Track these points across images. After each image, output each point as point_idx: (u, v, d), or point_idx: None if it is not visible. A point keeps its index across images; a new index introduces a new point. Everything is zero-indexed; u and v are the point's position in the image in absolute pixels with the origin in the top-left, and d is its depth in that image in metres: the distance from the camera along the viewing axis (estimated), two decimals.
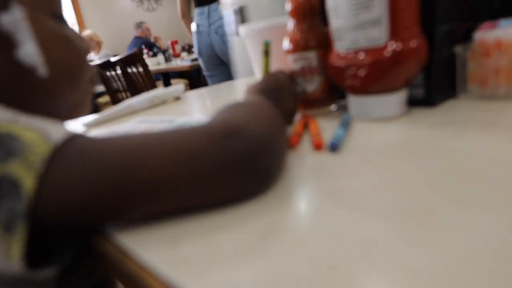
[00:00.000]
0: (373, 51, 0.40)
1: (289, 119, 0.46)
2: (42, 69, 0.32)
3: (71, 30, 0.37)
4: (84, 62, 0.38)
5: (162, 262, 0.23)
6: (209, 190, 0.27)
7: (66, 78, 0.36)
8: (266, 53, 0.50)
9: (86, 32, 3.90)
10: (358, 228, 0.22)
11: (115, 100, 2.74)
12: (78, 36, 0.37)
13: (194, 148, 0.26)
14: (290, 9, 0.48)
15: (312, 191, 0.28)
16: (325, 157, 0.35)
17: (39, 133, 0.25)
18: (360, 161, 0.32)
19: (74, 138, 0.26)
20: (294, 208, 0.26)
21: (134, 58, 2.46)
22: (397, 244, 0.20)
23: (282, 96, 0.43)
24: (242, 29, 0.64)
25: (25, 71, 0.32)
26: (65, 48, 0.35)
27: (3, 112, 0.27)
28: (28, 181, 0.23)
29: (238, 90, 0.95)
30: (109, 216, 0.27)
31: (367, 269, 0.19)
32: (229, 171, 0.26)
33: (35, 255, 0.24)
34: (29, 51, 0.31)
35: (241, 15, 1.00)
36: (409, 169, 0.29)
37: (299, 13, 0.48)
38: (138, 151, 0.26)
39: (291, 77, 0.49)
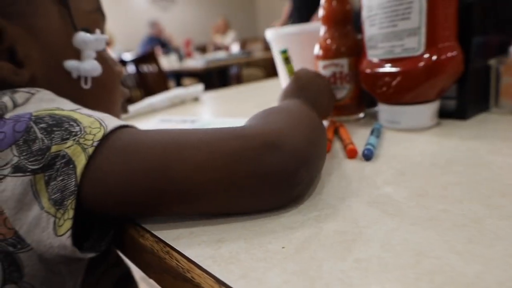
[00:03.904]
0: (408, 61, 0.40)
1: (327, 113, 0.46)
2: (88, 83, 0.37)
3: (108, 54, 0.42)
4: (118, 83, 0.42)
5: (207, 261, 0.23)
6: (242, 198, 0.27)
7: (105, 94, 0.40)
8: (286, 60, 0.48)
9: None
10: (406, 238, 0.22)
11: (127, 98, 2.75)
12: (114, 61, 0.42)
13: (232, 154, 0.25)
14: (323, 16, 0.49)
15: (354, 199, 0.28)
16: (360, 165, 0.35)
17: (97, 120, 0.27)
18: (397, 171, 0.32)
19: (124, 128, 0.28)
20: (338, 215, 0.26)
21: (148, 57, 2.48)
22: (449, 256, 0.20)
23: (317, 91, 0.43)
24: (268, 33, 0.64)
25: (72, 80, 0.36)
26: (106, 69, 0.39)
27: (69, 104, 0.30)
28: (81, 162, 0.25)
29: (255, 93, 0.95)
30: (142, 211, 0.28)
31: (420, 280, 0.19)
32: (266, 184, 0.26)
33: (75, 236, 0.25)
34: (86, 67, 0.36)
35: None
36: (449, 181, 0.29)
37: (331, 20, 0.48)
38: (177, 152, 0.26)
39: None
